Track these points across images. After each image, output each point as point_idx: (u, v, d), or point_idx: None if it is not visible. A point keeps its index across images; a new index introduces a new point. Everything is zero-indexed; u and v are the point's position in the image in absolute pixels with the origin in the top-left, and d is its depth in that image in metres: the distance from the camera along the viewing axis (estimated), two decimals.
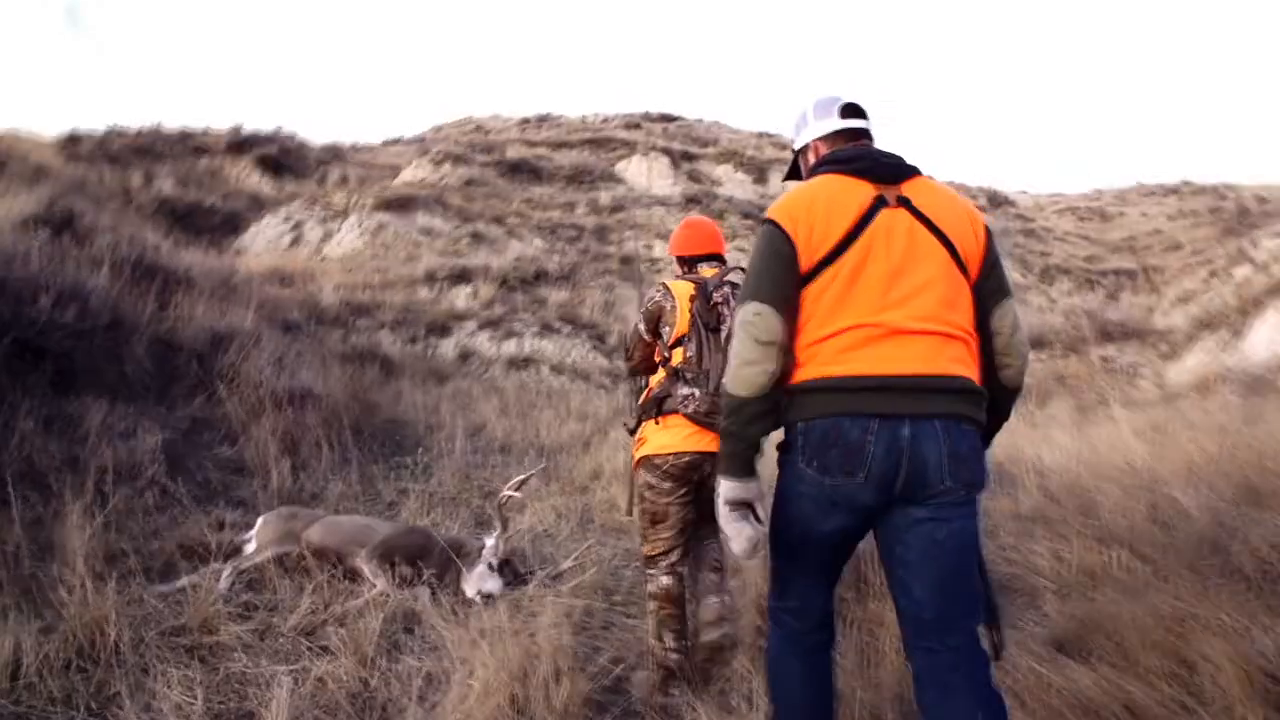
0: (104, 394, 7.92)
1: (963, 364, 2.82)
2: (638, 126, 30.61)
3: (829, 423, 2.75)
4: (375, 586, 5.60)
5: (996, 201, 32.80)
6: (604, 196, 25.19)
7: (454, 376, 15.22)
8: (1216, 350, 12.84)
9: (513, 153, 26.87)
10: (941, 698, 2.72)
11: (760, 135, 32.54)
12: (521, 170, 26.12)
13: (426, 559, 5.89)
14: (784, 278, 2.82)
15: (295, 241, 21.74)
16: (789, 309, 2.82)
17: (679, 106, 32.64)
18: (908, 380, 2.73)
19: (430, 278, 18.00)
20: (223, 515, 6.93)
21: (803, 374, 2.85)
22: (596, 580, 5.92)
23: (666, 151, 27.68)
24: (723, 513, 2.93)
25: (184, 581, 5.49)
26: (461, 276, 18.15)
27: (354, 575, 5.89)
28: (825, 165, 3.03)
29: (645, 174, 26.75)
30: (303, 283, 17.53)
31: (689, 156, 28.28)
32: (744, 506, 2.91)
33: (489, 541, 5.96)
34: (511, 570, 5.89)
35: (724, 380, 2.92)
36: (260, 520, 6.27)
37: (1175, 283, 25.79)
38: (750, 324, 2.81)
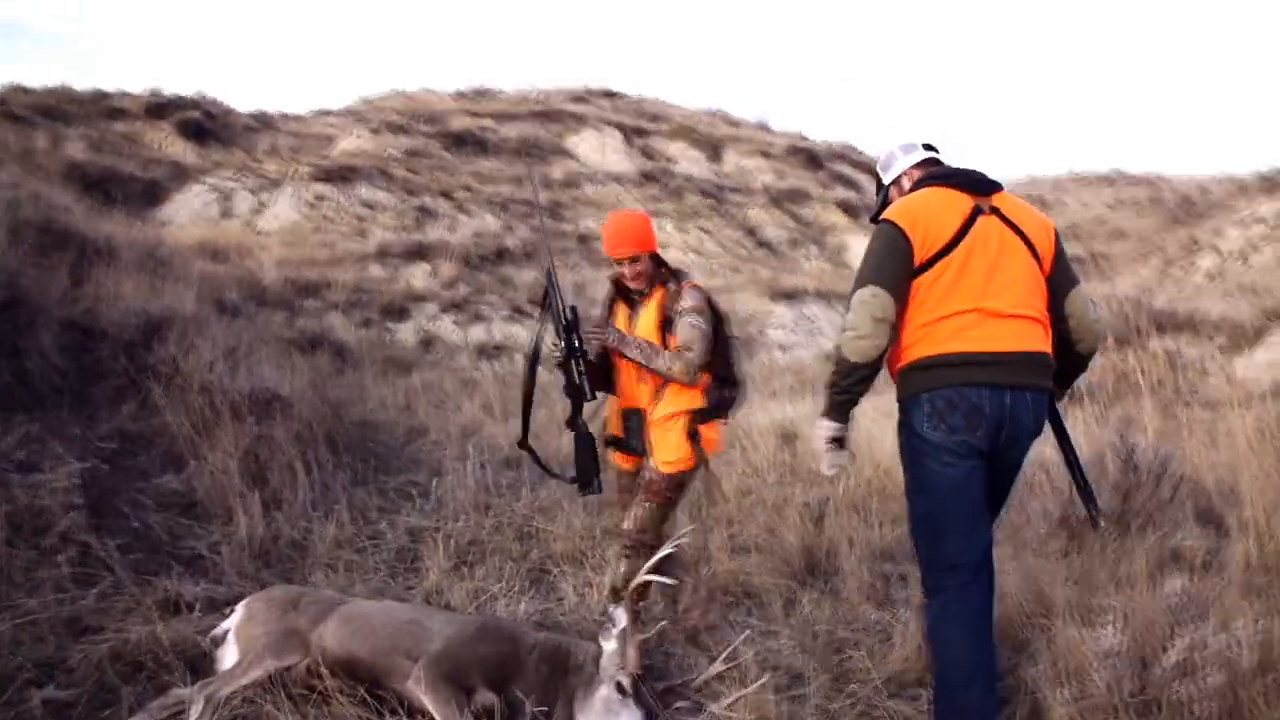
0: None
1: (1043, 342, 3.47)
2: (583, 100, 28.19)
3: (952, 391, 3.37)
4: None
5: None
6: (556, 171, 22.86)
7: (418, 366, 12.82)
8: None
9: (456, 124, 24.27)
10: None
11: (712, 113, 30.36)
12: (466, 142, 23.57)
13: (517, 677, 3.62)
14: (900, 269, 3.39)
15: (225, 213, 18.95)
16: (900, 294, 3.39)
17: (618, 82, 30.23)
18: (1007, 355, 3.37)
19: (383, 254, 15.51)
20: (176, 589, 4.54)
21: (921, 351, 3.43)
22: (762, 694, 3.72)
23: (619, 127, 25.39)
24: (817, 443, 3.62)
25: None
26: (418, 253, 15.71)
27: (401, 703, 3.58)
28: (930, 180, 3.61)
29: (598, 149, 24.46)
30: (238, 258, 14.88)
31: (641, 132, 26.04)
32: (840, 441, 3.58)
33: (608, 646, 3.70)
34: (652, 693, 3.63)
35: (839, 349, 3.46)
36: (242, 611, 3.91)
37: (1128, 271, 24.55)
38: (868, 303, 3.35)
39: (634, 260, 4.38)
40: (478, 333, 13.94)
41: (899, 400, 3.55)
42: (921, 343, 3.41)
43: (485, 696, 3.56)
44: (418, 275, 15.36)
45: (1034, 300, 3.45)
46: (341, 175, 19.51)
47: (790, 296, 18.31)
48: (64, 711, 3.54)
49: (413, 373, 12.26)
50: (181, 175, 20.93)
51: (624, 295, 4.56)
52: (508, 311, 14.43)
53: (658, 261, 4.50)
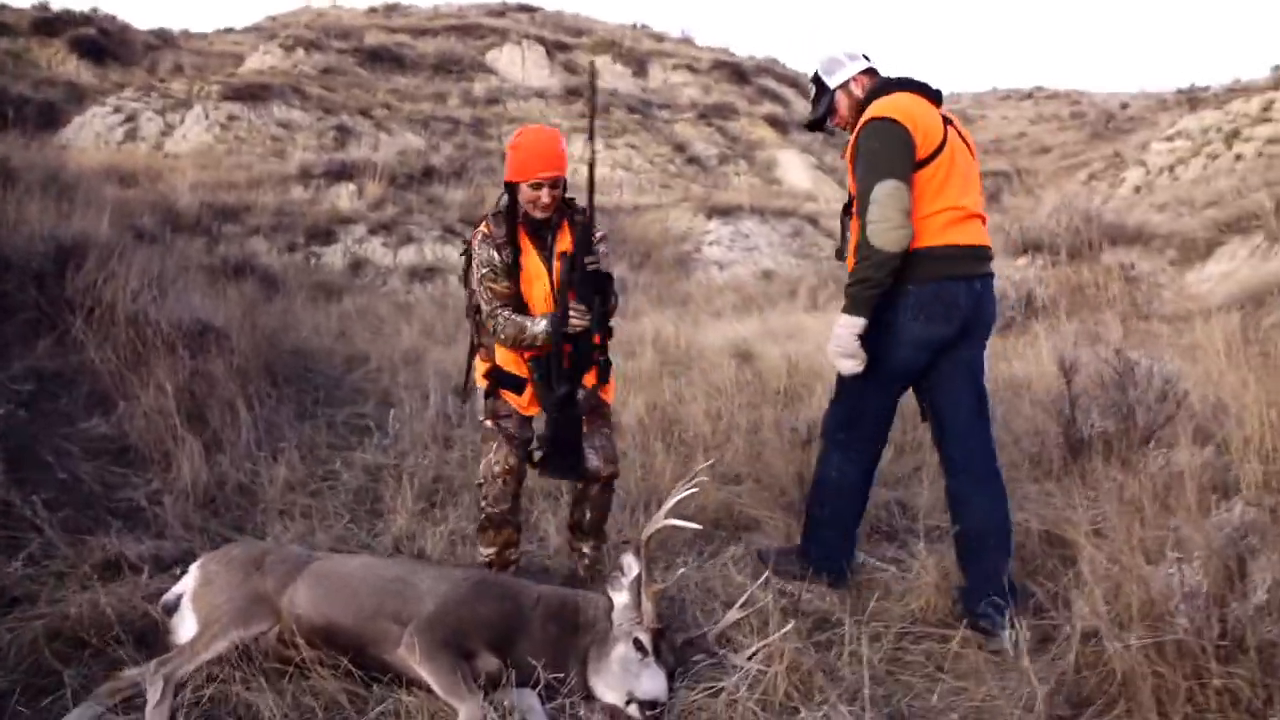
0: None
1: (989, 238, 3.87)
2: (501, 14, 26.99)
3: (937, 285, 3.68)
4: (458, 713, 2.85)
5: None
6: (477, 88, 21.89)
7: (349, 290, 12.14)
8: (1252, 258, 10.97)
9: (371, 39, 23.04)
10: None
11: (635, 27, 29.30)
12: (383, 58, 22.40)
13: (521, 638, 3.18)
14: (909, 163, 3.61)
15: (130, 136, 17.72)
16: (910, 188, 3.59)
17: None
18: (981, 250, 3.79)
19: (305, 175, 14.62)
20: (116, 547, 3.97)
21: (917, 243, 3.64)
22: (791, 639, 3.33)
23: (540, 41, 24.36)
24: (844, 341, 3.72)
25: None
26: (341, 173, 14.83)
27: (391, 674, 3.12)
28: (898, 86, 3.84)
29: (519, 64, 23.48)
30: (149, 182, 13.86)
31: (563, 47, 25.04)
32: (859, 338, 3.70)
33: (620, 598, 3.27)
34: (671, 648, 3.22)
35: (872, 242, 3.58)
36: (197, 574, 3.38)
37: (1052, 185, 24.55)
38: (894, 195, 3.56)
39: (556, 183, 3.86)
40: (409, 255, 13.24)
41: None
42: (917, 236, 3.65)
43: (488, 661, 3.11)
44: (342, 196, 14.52)
45: (982, 201, 3.89)
46: (253, 94, 18.34)
47: (725, 213, 17.83)
48: None
49: (344, 298, 11.59)
50: (79, 96, 19.54)
51: (531, 229, 3.96)
52: (439, 232, 13.72)
53: None
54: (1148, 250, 11.60)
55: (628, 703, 3.06)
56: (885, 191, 3.56)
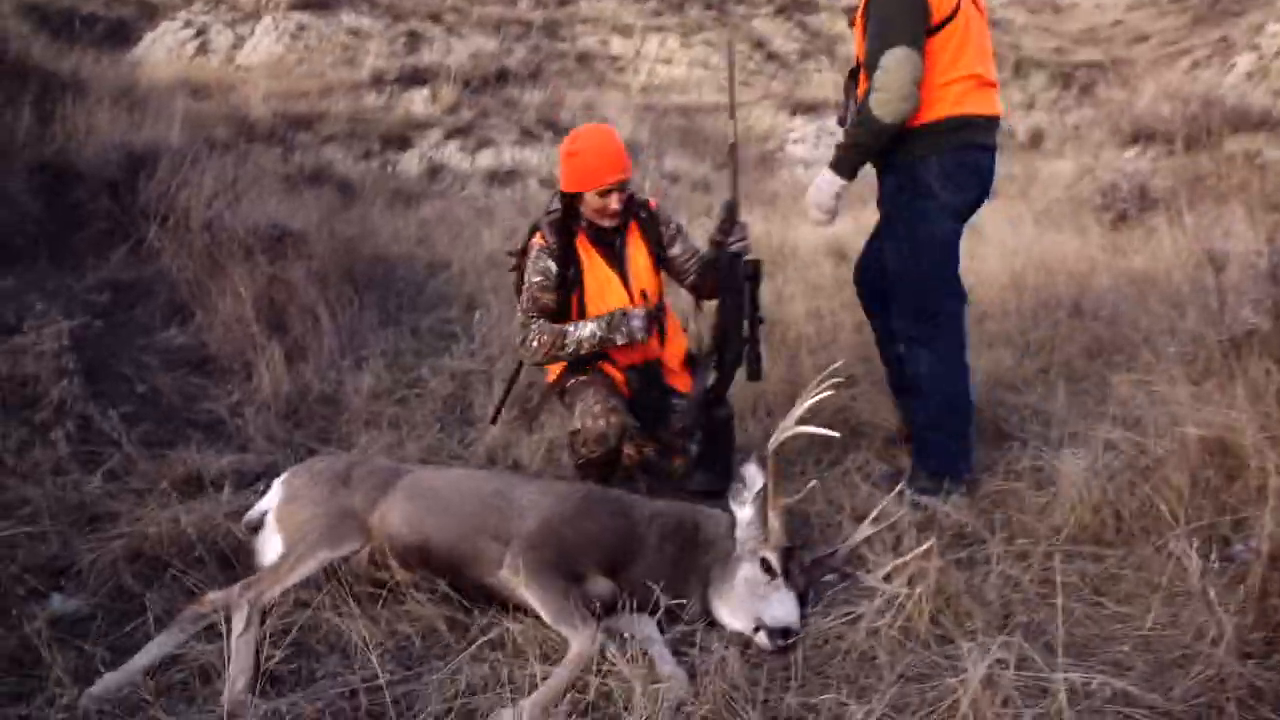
0: None
1: None
2: None
3: (962, 153, 3.53)
4: (569, 643, 2.53)
5: None
6: None
7: (425, 197, 11.78)
8: None
9: None
10: None
11: None
12: None
13: (636, 558, 2.84)
14: (922, 29, 3.37)
15: (201, 50, 17.43)
16: (923, 55, 3.37)
17: None
18: (996, 120, 3.60)
19: (378, 81, 14.21)
20: (196, 462, 3.72)
21: (932, 114, 3.47)
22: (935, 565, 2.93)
23: None
24: (824, 195, 3.63)
25: (141, 661, 2.42)
26: (414, 79, 14.39)
27: (492, 598, 2.81)
28: None
29: None
30: (221, 94, 13.57)
31: None
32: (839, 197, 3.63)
33: (743, 513, 2.91)
34: (800, 569, 2.85)
35: (872, 110, 3.39)
36: (281, 489, 3.10)
37: (1150, 75, 23.01)
38: (905, 65, 3.32)
39: (624, 186, 3.56)
40: (486, 159, 12.82)
41: (898, 163, 3.59)
42: (938, 104, 3.47)
43: (599, 585, 2.78)
44: (416, 102, 14.11)
45: (994, 67, 3.64)
46: (322, 3, 17.86)
47: (809, 110, 17.00)
48: (76, 628, 2.77)
49: (421, 204, 11.25)
50: (150, 13, 19.26)
51: (595, 238, 3.64)
52: (516, 135, 13.26)
53: None
54: (1274, 136, 10.64)
55: (756, 630, 2.72)
56: (895, 59, 3.34)
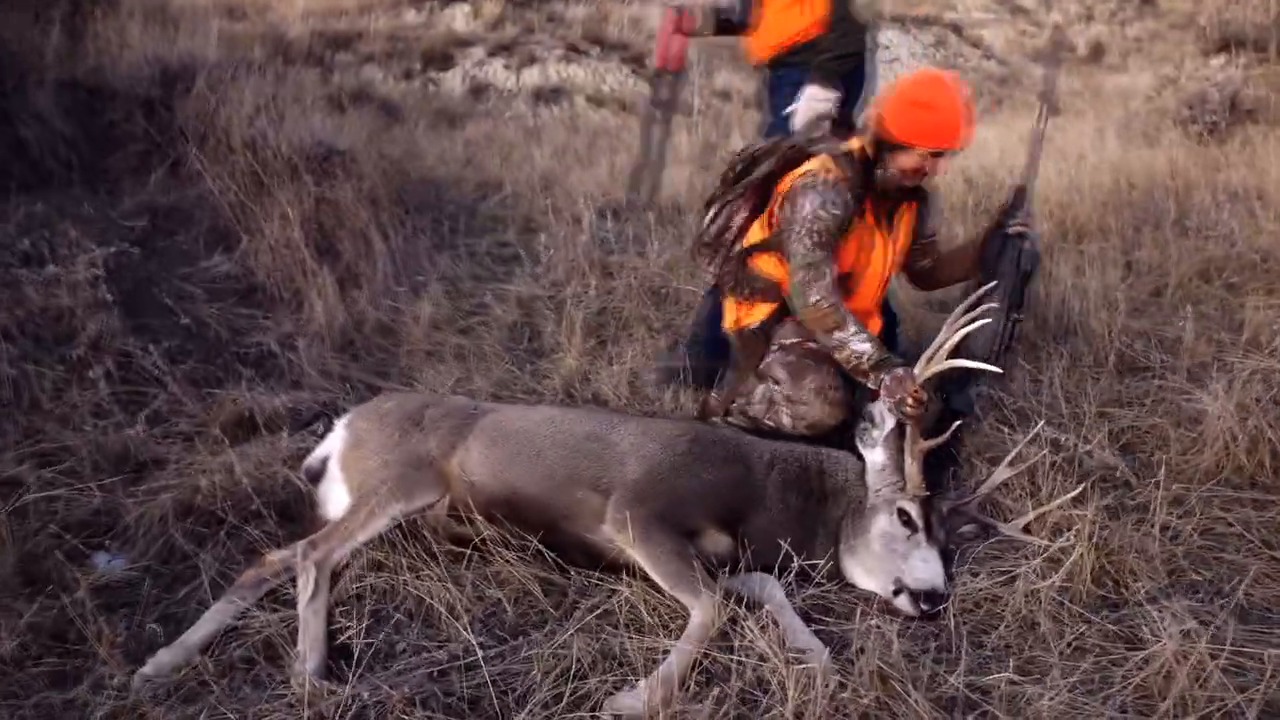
0: None
1: None
2: None
3: None
4: (690, 611, 2.15)
5: None
6: None
7: (470, 117, 11.27)
8: None
9: None
10: None
11: None
12: None
13: (755, 509, 2.45)
14: None
15: None
16: None
17: None
18: None
19: None
20: (248, 402, 3.36)
21: None
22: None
23: None
24: (819, 112, 3.35)
25: (198, 635, 2.12)
26: None
27: (595, 558, 2.43)
28: None
29: None
30: (257, 15, 13.07)
31: None
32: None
33: (874, 457, 2.50)
34: (940, 520, 2.46)
35: (856, 17, 3.41)
36: (345, 433, 2.74)
37: None
38: None
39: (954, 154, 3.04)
40: (532, 76, 12.26)
41: None
42: None
43: (716, 541, 2.40)
44: (457, 18, 13.52)
45: None
46: None
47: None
48: (122, 594, 2.44)
49: (467, 125, 10.76)
50: None
51: (877, 197, 3.06)
52: (562, 51, 12.66)
53: None
54: None
55: (896, 592, 2.33)
56: None
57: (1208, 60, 10.64)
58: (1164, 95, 9.12)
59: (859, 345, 2.75)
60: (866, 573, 2.41)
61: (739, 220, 3.21)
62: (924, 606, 2.29)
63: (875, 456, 2.52)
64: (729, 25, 3.86)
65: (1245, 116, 8.74)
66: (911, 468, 2.44)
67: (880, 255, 3.09)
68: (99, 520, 2.70)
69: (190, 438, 3.16)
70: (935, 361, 2.53)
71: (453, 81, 12.23)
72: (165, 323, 3.89)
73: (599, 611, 2.25)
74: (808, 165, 3.02)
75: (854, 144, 3.03)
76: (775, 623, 2.18)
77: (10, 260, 3.82)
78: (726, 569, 2.37)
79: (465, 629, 2.18)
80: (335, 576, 2.37)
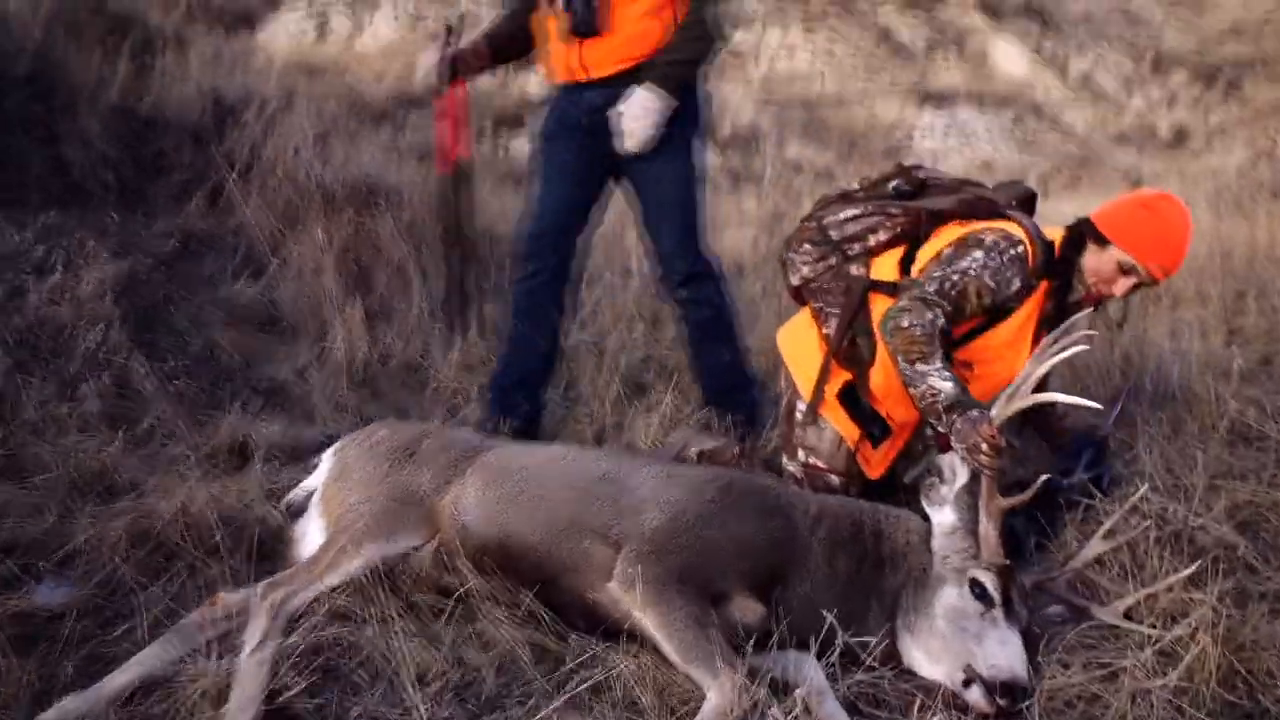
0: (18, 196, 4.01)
1: None
2: None
3: None
4: (705, 691, 1.71)
5: None
6: None
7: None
8: None
9: None
10: None
11: None
12: None
13: (796, 574, 2.01)
14: None
15: (320, 36, 17.22)
16: None
17: None
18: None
19: None
20: (244, 429, 3.01)
21: None
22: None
23: None
24: (659, 122, 3.03)
25: (116, 682, 1.74)
26: (529, 58, 13.74)
27: (592, 619, 2.01)
28: None
29: None
30: (336, 75, 13.20)
31: None
32: None
33: (941, 518, 2.05)
34: (1023, 595, 2.00)
35: (709, 26, 3.17)
36: (331, 462, 2.37)
37: None
38: None
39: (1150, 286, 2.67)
40: None
41: None
42: None
43: (746, 609, 1.98)
44: (531, 82, 13.53)
45: None
46: None
47: (938, 101, 15.92)
48: (52, 626, 2.08)
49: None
50: (273, 2, 19.25)
51: (1052, 290, 2.63)
52: None
53: None
54: None
55: (966, 682, 1.87)
56: None
57: None
58: (1258, 168, 8.66)
59: (939, 382, 2.31)
60: (929, 656, 1.96)
61: (880, 238, 2.74)
62: (1001, 701, 1.84)
63: (944, 517, 2.09)
64: (504, 47, 3.60)
65: None
66: (988, 530, 2.00)
67: (1017, 365, 2.52)
68: (49, 541, 2.35)
69: (176, 461, 2.82)
70: (1019, 397, 2.09)
71: (522, 142, 12.16)
72: (176, 344, 3.63)
73: (590, 684, 1.82)
74: (1003, 225, 2.58)
75: (1055, 233, 2.63)
76: (809, 711, 1.74)
77: (23, 267, 3.59)
78: (754, 644, 1.92)
79: (432, 699, 1.77)
80: (293, 624, 1.98)
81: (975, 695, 1.87)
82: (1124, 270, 2.51)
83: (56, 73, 5.07)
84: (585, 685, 1.83)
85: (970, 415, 2.15)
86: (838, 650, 1.91)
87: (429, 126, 11.92)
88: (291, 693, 1.82)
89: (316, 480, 2.39)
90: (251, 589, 2.04)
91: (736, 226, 7.79)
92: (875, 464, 2.69)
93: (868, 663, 1.96)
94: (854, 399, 2.66)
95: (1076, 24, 20.12)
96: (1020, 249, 2.49)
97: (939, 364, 2.33)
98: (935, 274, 2.48)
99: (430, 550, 2.16)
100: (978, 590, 1.96)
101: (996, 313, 2.53)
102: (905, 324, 2.38)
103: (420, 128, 12.04)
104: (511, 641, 1.98)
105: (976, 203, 2.69)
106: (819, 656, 1.91)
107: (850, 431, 2.66)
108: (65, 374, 3.15)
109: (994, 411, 2.13)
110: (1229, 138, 13.39)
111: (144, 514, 2.37)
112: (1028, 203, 2.79)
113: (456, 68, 3.52)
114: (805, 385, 2.73)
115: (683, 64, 3.16)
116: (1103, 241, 2.52)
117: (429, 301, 4.57)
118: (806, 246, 2.86)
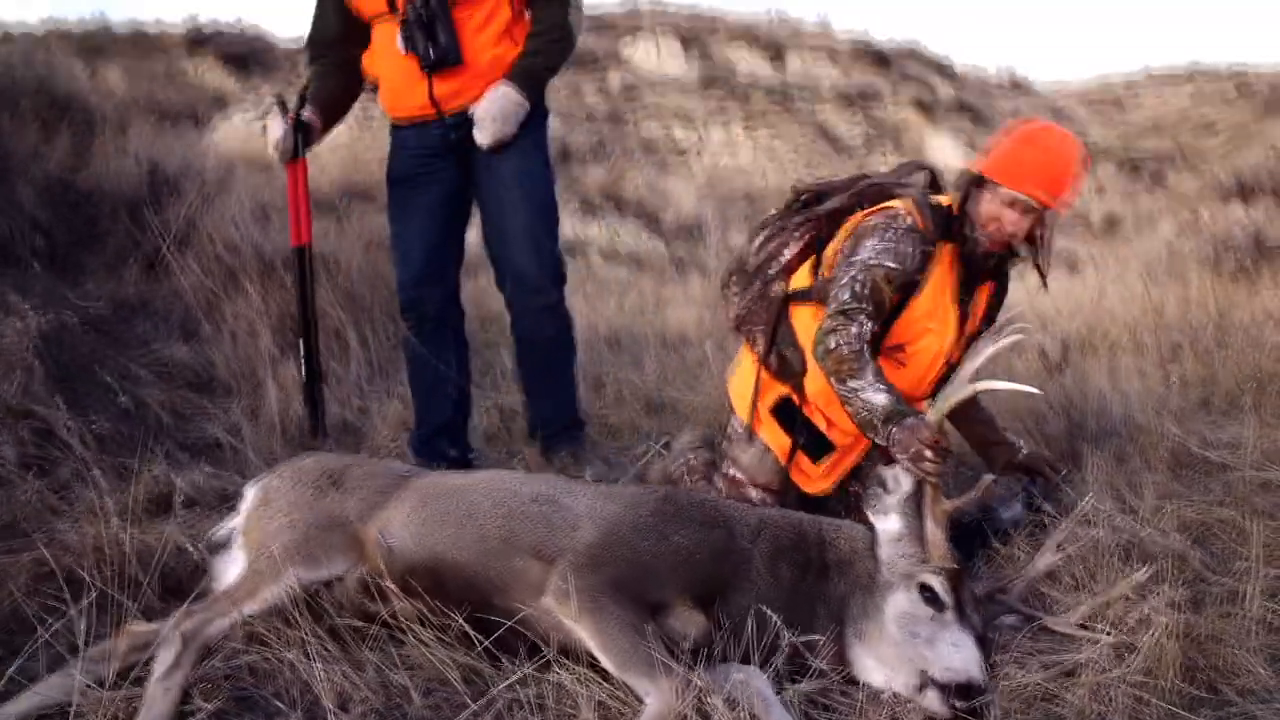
0: None
1: None
2: (634, 11, 26.10)
3: None
4: (643, 699, 1.61)
5: (1017, 86, 28.70)
6: (612, 80, 20.90)
7: (484, 266, 11.11)
8: None
9: None
10: None
11: (771, 14, 27.97)
12: None
13: (737, 584, 1.94)
14: None
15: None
16: None
17: None
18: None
19: None
20: (164, 478, 2.88)
21: None
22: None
23: (675, 30, 23.35)
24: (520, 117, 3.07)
25: (18, 708, 1.63)
26: None
27: (525, 639, 1.90)
28: None
29: (655, 56, 22.42)
30: (283, 170, 13.25)
31: (698, 37, 23.93)
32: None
33: (886, 526, 1.99)
34: (974, 600, 1.93)
35: (574, 32, 3.18)
36: (255, 494, 2.24)
37: (1224, 162, 22.05)
38: None
39: (1043, 219, 2.59)
40: None
41: None
42: None
43: (687, 620, 1.89)
44: None
45: None
46: None
47: None
48: None
49: (480, 273, 10.61)
50: (222, 105, 19.38)
51: (960, 256, 2.62)
52: (577, 206, 12.75)
53: None
54: None
55: (920, 686, 1.78)
56: None
57: (1226, 205, 10.56)
58: (1184, 240, 8.93)
59: (872, 395, 2.28)
60: (881, 663, 1.88)
61: (790, 253, 2.77)
62: (956, 703, 1.75)
63: (889, 525, 2.02)
64: (333, 107, 3.50)
65: (1275, 253, 8.39)
66: (934, 533, 1.94)
67: (945, 333, 2.61)
68: None
69: (93, 507, 2.67)
70: (955, 393, 2.05)
71: (474, 235, 12.23)
72: (100, 399, 3.48)
73: (522, 701, 1.71)
74: (886, 205, 2.61)
75: (946, 198, 2.64)
76: (755, 718, 1.64)
77: None
78: (700, 657, 1.83)
79: None
80: (203, 653, 1.85)
81: (931, 699, 1.79)
82: (1012, 205, 2.49)
83: None
84: (514, 699, 1.71)
85: (907, 424, 2.12)
86: (783, 655, 1.82)
87: (374, 213, 11.96)
88: (196, 718, 1.68)
89: (239, 515, 2.27)
90: (166, 621, 1.91)
91: (683, 306, 7.89)
92: (816, 478, 2.65)
93: (816, 668, 1.87)
94: (789, 412, 2.64)
95: (1005, 120, 20.85)
96: (908, 220, 2.51)
97: (870, 377, 2.31)
98: (843, 276, 2.49)
99: (355, 578, 2.05)
100: (928, 594, 1.90)
101: (909, 288, 2.52)
102: (833, 345, 2.38)
103: (364, 214, 12.09)
104: (440, 663, 1.87)
105: (866, 190, 2.73)
106: (763, 665, 1.82)
107: (781, 443, 2.63)
108: None
109: (930, 415, 2.09)
110: (1156, 221, 13.89)
111: (55, 549, 2.23)
112: (933, 182, 2.79)
113: (304, 136, 3.39)
114: (741, 405, 2.71)
115: (544, 69, 3.16)
116: (986, 184, 2.52)
117: (368, 368, 4.50)
118: (731, 291, 2.90)
